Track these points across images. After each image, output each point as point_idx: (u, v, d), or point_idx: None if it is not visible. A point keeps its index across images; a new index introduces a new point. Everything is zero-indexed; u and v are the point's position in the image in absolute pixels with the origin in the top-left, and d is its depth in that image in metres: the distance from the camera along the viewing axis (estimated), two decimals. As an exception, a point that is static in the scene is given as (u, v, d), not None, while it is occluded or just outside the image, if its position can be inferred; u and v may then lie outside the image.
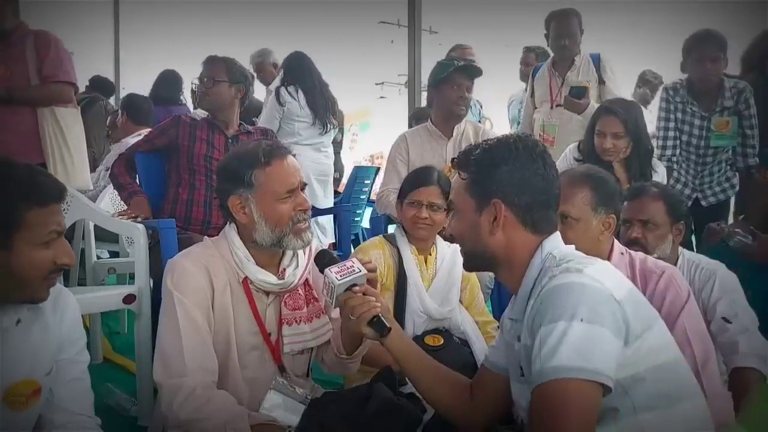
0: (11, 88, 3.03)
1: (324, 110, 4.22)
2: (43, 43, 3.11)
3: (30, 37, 3.12)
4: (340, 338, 1.77)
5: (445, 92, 3.15)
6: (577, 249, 1.71)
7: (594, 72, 3.68)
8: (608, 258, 1.81)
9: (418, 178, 2.40)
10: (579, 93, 3.45)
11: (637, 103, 2.94)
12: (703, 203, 3.37)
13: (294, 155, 1.79)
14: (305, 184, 1.77)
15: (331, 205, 4.33)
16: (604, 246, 1.82)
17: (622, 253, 1.84)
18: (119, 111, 4.46)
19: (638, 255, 1.86)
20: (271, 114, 4.20)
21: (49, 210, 1.33)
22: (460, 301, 2.44)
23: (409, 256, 2.35)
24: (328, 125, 4.26)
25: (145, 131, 4.01)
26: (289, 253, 1.80)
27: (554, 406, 1.17)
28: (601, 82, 3.66)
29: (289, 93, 4.16)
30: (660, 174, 2.97)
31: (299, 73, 4.22)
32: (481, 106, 5.00)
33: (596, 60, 3.75)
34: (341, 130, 5.30)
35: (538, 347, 1.21)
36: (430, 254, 2.40)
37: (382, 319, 1.58)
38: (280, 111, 4.15)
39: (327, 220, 4.21)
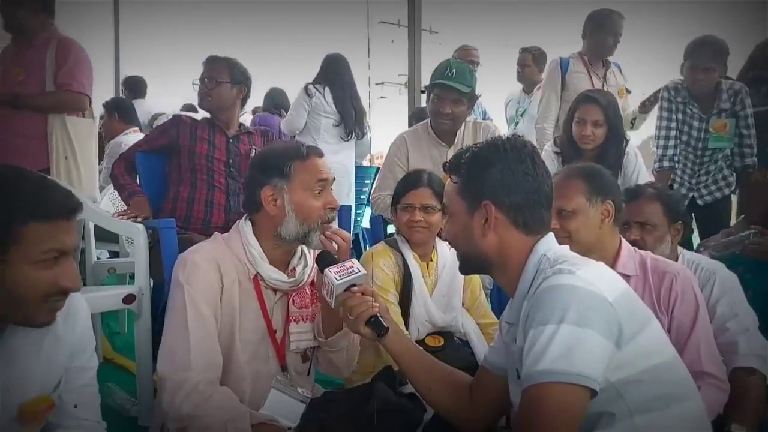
0: (19, 93, 3.02)
1: (350, 115, 4.26)
2: (64, 50, 3.09)
3: (54, 42, 3.10)
4: (321, 322, 1.81)
5: (430, 103, 3.08)
6: (581, 241, 1.74)
7: (621, 77, 3.77)
8: (617, 252, 1.82)
9: (408, 183, 2.37)
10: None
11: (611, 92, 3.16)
12: (699, 202, 3.38)
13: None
14: (333, 179, 1.82)
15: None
16: (608, 236, 1.82)
17: (632, 251, 1.84)
18: (106, 113, 4.75)
19: (649, 254, 1.86)
20: (299, 104, 4.28)
21: (52, 226, 1.20)
22: (462, 303, 2.42)
23: (413, 263, 2.32)
24: (352, 132, 4.30)
25: (132, 129, 4.62)
26: (298, 252, 1.84)
27: (537, 410, 1.18)
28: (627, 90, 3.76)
29: (317, 89, 4.24)
30: (635, 168, 2.98)
31: (331, 74, 4.29)
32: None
33: (618, 67, 3.83)
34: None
35: (527, 350, 1.22)
36: (431, 260, 2.37)
37: (380, 318, 1.59)
38: (308, 102, 4.22)
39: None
